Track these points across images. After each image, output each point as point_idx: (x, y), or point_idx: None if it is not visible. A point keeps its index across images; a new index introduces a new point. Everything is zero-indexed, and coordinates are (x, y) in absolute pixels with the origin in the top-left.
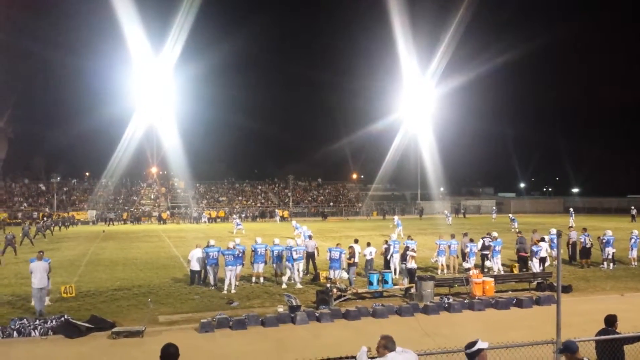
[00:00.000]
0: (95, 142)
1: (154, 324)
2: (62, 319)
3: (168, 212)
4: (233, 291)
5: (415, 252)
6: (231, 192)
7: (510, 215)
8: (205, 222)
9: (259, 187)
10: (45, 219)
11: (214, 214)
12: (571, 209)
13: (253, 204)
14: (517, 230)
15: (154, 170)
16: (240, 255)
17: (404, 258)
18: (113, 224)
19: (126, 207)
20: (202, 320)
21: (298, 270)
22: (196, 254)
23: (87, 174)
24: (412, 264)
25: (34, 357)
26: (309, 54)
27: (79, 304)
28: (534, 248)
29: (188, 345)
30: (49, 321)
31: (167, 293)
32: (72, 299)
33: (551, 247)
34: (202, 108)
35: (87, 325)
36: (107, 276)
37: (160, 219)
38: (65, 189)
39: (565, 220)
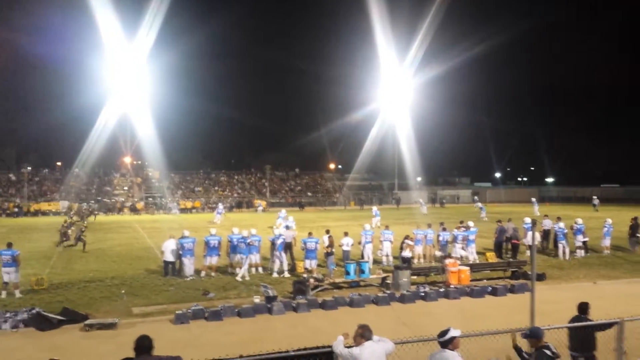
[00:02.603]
0: (67, 131)
1: (127, 315)
2: (34, 311)
3: (142, 203)
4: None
5: (412, 240)
6: (207, 182)
7: (479, 203)
8: (176, 212)
9: (236, 177)
10: (16, 209)
11: (189, 204)
12: (533, 199)
13: (229, 194)
14: (485, 218)
15: (127, 160)
16: (216, 245)
17: (401, 247)
18: (96, 214)
19: (99, 198)
20: (177, 312)
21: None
22: (169, 245)
23: (59, 163)
24: (407, 253)
25: (5, 350)
26: (287, 43)
27: (50, 296)
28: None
29: (163, 337)
30: (20, 314)
31: (141, 284)
32: (44, 291)
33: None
34: (178, 97)
35: (59, 317)
36: (80, 267)
37: (133, 210)
38: (36, 179)
39: (543, 209)
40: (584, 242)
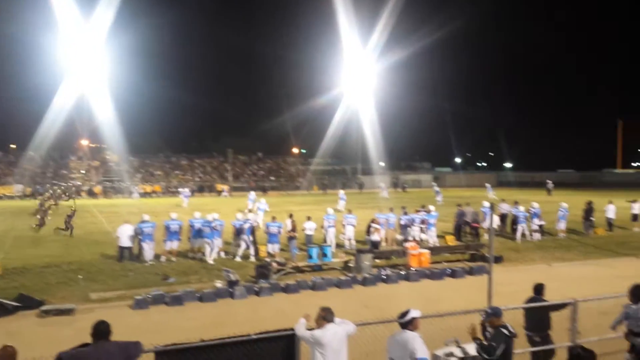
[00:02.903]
0: (22, 113)
1: (85, 301)
2: None
3: (100, 187)
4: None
5: (379, 224)
6: (167, 166)
7: (436, 187)
8: (136, 196)
9: (197, 161)
10: None
11: (148, 188)
12: (487, 184)
13: (190, 178)
14: (440, 202)
15: (85, 142)
16: (177, 230)
17: (368, 231)
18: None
19: (54, 182)
20: (136, 297)
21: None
22: (125, 229)
23: (13, 146)
24: (375, 236)
25: None
26: (250, 26)
27: (5, 282)
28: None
29: (121, 323)
30: None
31: (99, 270)
32: None
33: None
34: (138, 79)
35: (14, 303)
36: (36, 253)
37: (91, 194)
38: None
39: (500, 194)
40: (540, 226)
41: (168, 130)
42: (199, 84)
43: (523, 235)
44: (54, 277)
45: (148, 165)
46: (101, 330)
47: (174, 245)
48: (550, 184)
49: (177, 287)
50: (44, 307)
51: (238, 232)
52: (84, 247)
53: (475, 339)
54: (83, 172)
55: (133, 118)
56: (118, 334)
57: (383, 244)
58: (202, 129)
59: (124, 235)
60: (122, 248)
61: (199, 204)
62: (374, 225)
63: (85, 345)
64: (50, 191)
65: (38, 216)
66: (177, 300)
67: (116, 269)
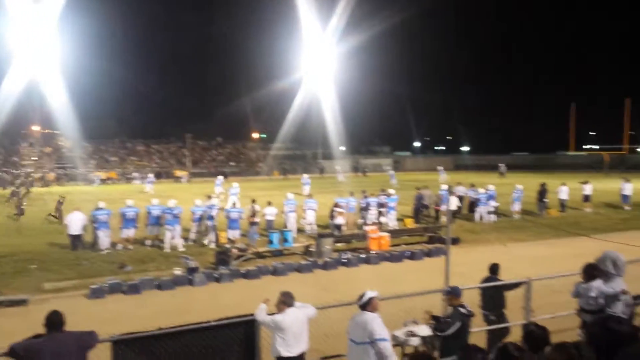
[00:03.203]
0: None
1: (39, 291)
2: None
3: (53, 174)
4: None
5: (342, 208)
6: (123, 151)
7: (390, 171)
8: (97, 183)
9: (154, 146)
10: None
11: (104, 175)
12: (439, 167)
13: (147, 164)
14: (396, 185)
15: (36, 128)
16: (133, 217)
17: (331, 215)
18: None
19: (4, 169)
20: (92, 286)
21: (197, 232)
22: (75, 217)
23: None
24: (339, 220)
25: None
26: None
27: None
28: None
29: (77, 312)
30: None
31: (54, 259)
32: None
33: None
34: (91, 63)
35: None
36: None
37: (43, 181)
38: None
39: (456, 177)
40: (495, 207)
41: (124, 115)
42: (155, 68)
43: (481, 217)
44: (7, 267)
45: (103, 151)
46: (54, 320)
47: (130, 233)
48: (502, 167)
49: (134, 276)
50: None
51: (199, 218)
52: (37, 237)
53: (432, 317)
54: (35, 159)
55: (87, 102)
56: (74, 324)
57: (343, 227)
58: (159, 114)
59: (74, 223)
60: (72, 236)
61: (157, 190)
62: (337, 209)
63: (38, 336)
64: (22, 179)
65: (16, 205)
66: (135, 289)
67: (71, 258)
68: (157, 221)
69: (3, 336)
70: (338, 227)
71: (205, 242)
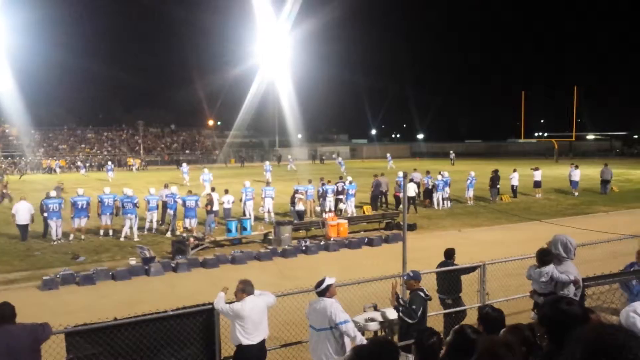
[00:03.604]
0: None
1: None
2: None
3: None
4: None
5: (303, 195)
6: (72, 139)
7: (340, 159)
8: (83, 172)
9: (105, 134)
10: None
11: (53, 163)
12: (388, 154)
13: (99, 152)
14: (344, 172)
15: None
16: (85, 207)
17: (292, 201)
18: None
19: None
20: (44, 277)
21: (151, 221)
22: (21, 207)
23: None
24: (300, 206)
25: None
26: None
27: None
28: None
29: (29, 305)
30: None
31: (3, 250)
32: None
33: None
34: (37, 47)
35: None
36: None
37: None
38: None
39: (411, 164)
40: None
41: (72, 101)
42: (105, 52)
43: (437, 203)
44: None
45: (51, 138)
46: (4, 313)
47: (82, 222)
48: (452, 154)
49: (88, 266)
50: None
51: (155, 207)
52: None
53: (395, 307)
54: None
55: (34, 88)
56: (26, 316)
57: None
58: (110, 100)
59: (21, 212)
60: (20, 226)
61: (104, 180)
62: (298, 195)
63: None
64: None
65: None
66: (89, 280)
67: (21, 248)
68: (109, 210)
69: None
70: (299, 213)
71: (168, 234)
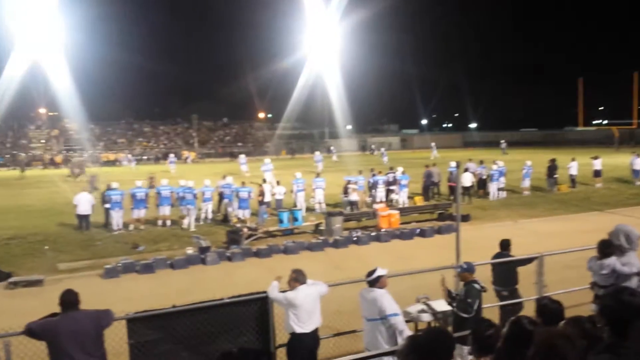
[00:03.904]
0: None
1: (53, 272)
2: None
3: (61, 156)
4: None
5: (355, 185)
6: (130, 133)
7: (382, 149)
8: (134, 164)
9: (161, 127)
10: None
11: (112, 156)
12: (432, 144)
13: (155, 145)
14: (387, 163)
15: (42, 111)
16: (143, 198)
17: (345, 192)
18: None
19: (15, 152)
20: (106, 266)
21: (207, 212)
22: (82, 198)
23: None
24: (354, 196)
25: None
26: None
27: None
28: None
29: (92, 292)
30: None
31: (67, 240)
32: None
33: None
34: (95, 44)
35: None
36: None
37: (52, 163)
38: None
39: (463, 154)
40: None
41: (129, 97)
42: (159, 48)
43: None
44: (20, 248)
45: (110, 132)
46: (69, 299)
47: (141, 213)
48: (503, 143)
49: (147, 255)
50: (11, 279)
51: (205, 198)
52: (49, 218)
53: (449, 303)
54: (43, 141)
55: (92, 85)
56: (89, 304)
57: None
58: (165, 95)
59: (82, 203)
60: (80, 216)
61: (164, 172)
62: (351, 185)
63: (54, 315)
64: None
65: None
66: (148, 268)
67: (84, 238)
68: (167, 201)
69: (20, 316)
70: (353, 203)
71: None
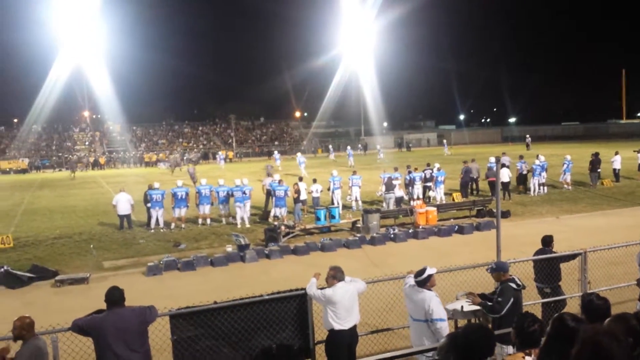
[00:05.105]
0: (22, 86)
1: (98, 270)
2: (2, 269)
3: (104, 157)
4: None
5: (399, 180)
6: (170, 134)
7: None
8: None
9: (200, 128)
10: None
11: (153, 157)
12: (444, 140)
13: (195, 145)
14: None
15: (86, 114)
16: (184, 197)
17: (389, 188)
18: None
19: (59, 154)
20: (148, 264)
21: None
22: (121, 198)
23: (16, 120)
24: (399, 192)
25: None
26: None
27: (18, 254)
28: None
29: (135, 289)
30: None
31: (111, 239)
32: (11, 250)
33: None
34: (135, 48)
35: (28, 275)
36: (46, 225)
37: (95, 165)
38: None
39: (500, 149)
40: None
41: (169, 98)
42: (197, 50)
43: (530, 189)
44: (66, 247)
45: (151, 134)
46: (115, 296)
47: (182, 212)
48: (528, 138)
49: (188, 253)
50: (58, 277)
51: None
52: (94, 218)
53: (480, 303)
54: (87, 143)
55: (133, 87)
56: (133, 300)
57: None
58: (203, 96)
59: (121, 203)
60: (120, 216)
61: (203, 171)
62: (396, 181)
63: (100, 311)
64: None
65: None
66: (189, 266)
67: (127, 237)
68: (205, 200)
69: (67, 313)
70: (397, 199)
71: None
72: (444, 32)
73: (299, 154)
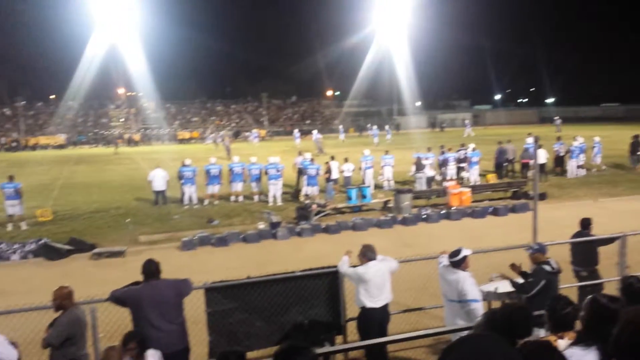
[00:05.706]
0: (58, 63)
1: (134, 244)
2: (41, 242)
3: (139, 134)
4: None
5: (429, 160)
6: (203, 112)
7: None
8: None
9: (232, 106)
10: (13, 143)
11: (187, 135)
12: (467, 120)
13: (227, 123)
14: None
15: (121, 91)
16: (217, 174)
17: (419, 168)
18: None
19: (96, 130)
20: (183, 239)
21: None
22: (156, 174)
23: (53, 96)
24: (430, 172)
25: (16, 280)
26: None
27: (56, 227)
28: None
29: (170, 263)
30: (28, 245)
31: (146, 214)
32: (49, 223)
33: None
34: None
35: (67, 247)
36: (83, 199)
37: (130, 141)
38: (31, 112)
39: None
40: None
41: (203, 76)
42: (229, 28)
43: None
44: (103, 221)
45: (185, 111)
46: (151, 269)
47: (215, 189)
48: (558, 120)
49: (221, 229)
50: (95, 250)
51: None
52: (130, 193)
53: (520, 273)
54: (122, 120)
55: (167, 65)
56: (168, 273)
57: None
58: (236, 74)
59: (157, 179)
60: (156, 192)
61: (235, 149)
62: (426, 162)
63: (136, 283)
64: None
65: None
66: (223, 242)
67: (161, 212)
68: (239, 177)
69: (104, 284)
70: (430, 179)
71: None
72: (481, 8)
73: (314, 131)
